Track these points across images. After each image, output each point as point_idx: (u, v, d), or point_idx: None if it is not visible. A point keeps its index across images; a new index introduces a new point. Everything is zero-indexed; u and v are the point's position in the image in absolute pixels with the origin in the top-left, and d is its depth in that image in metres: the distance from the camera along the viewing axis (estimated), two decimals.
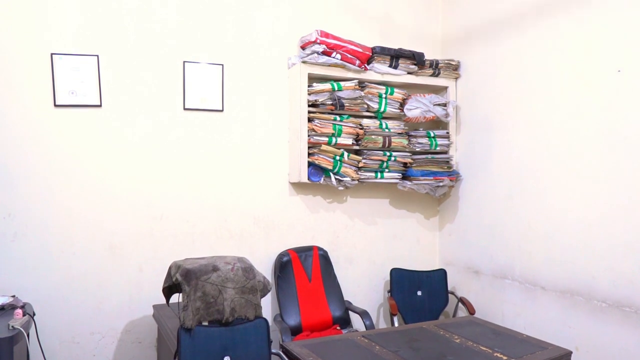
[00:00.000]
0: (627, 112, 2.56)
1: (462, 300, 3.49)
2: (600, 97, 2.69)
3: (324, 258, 3.43)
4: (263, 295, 2.39)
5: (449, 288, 3.64)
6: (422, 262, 3.81)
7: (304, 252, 3.41)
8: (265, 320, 2.35)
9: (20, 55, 2.81)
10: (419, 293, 3.55)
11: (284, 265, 3.30)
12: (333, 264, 3.46)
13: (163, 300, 2.87)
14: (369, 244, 3.68)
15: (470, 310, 3.38)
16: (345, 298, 3.44)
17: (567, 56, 2.87)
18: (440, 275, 3.63)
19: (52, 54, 2.86)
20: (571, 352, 2.34)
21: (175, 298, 2.63)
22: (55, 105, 2.88)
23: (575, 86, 2.83)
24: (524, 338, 2.53)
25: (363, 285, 3.65)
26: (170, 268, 2.49)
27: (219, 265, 2.29)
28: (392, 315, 3.34)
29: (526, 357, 2.20)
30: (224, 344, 2.24)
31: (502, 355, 2.21)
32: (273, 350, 2.37)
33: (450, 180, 3.63)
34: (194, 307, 2.20)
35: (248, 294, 2.29)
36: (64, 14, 2.89)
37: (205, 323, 2.23)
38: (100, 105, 2.97)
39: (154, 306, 2.94)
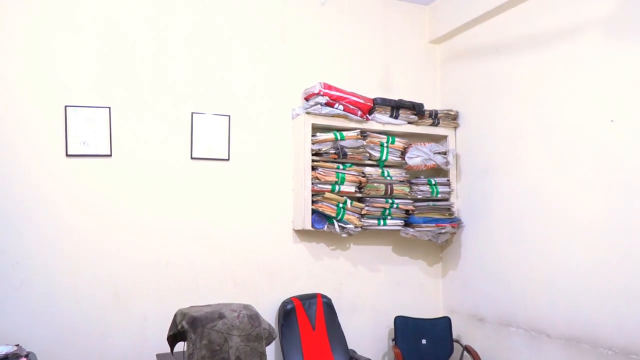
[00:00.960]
0: (620, 159, 2.64)
1: (467, 348, 3.46)
2: (595, 145, 2.77)
3: (328, 306, 3.43)
4: (268, 343, 2.39)
5: (454, 336, 3.61)
6: (426, 309, 3.79)
7: (308, 299, 3.41)
8: None
9: (35, 107, 2.92)
10: (424, 341, 3.52)
11: (287, 313, 3.30)
12: (337, 311, 3.46)
13: (167, 349, 2.86)
14: (372, 292, 3.69)
15: (476, 359, 3.34)
16: (350, 347, 3.41)
17: (562, 106, 2.98)
18: (444, 323, 3.61)
19: (66, 106, 2.98)
20: None
21: (180, 347, 2.62)
22: (67, 155, 2.97)
23: (570, 135, 2.92)
24: None
25: (367, 334, 3.62)
26: (175, 316, 2.50)
27: (224, 313, 2.30)
28: None
29: None
30: None
31: None
32: None
33: (452, 227, 3.67)
34: (200, 355, 2.20)
35: (253, 341, 2.30)
36: (79, 68, 3.03)
37: None
38: (110, 155, 3.06)
39: (158, 355, 2.91)
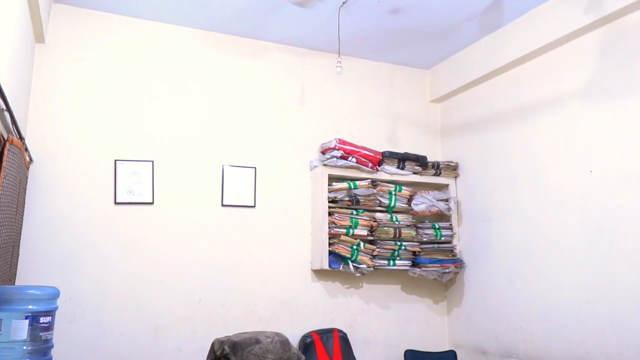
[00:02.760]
0: (599, 204, 3.05)
1: None
2: (577, 192, 3.19)
3: (344, 340, 3.75)
4: None
5: None
6: (433, 343, 4.10)
7: (326, 334, 3.74)
8: None
9: (89, 162, 3.37)
10: None
11: (307, 346, 3.62)
12: (352, 345, 3.78)
13: None
14: (384, 327, 4.01)
15: None
16: None
17: (548, 159, 3.42)
18: (450, 357, 3.92)
19: (115, 160, 3.43)
20: None
21: None
22: (115, 203, 3.40)
23: (556, 184, 3.35)
24: None
25: None
26: (213, 344, 2.86)
27: (260, 339, 2.66)
28: None
29: None
30: None
31: None
32: None
33: (455, 267, 4.04)
34: None
35: None
36: (127, 126, 3.50)
37: None
38: (152, 203, 3.48)
39: None
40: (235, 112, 3.82)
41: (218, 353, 2.73)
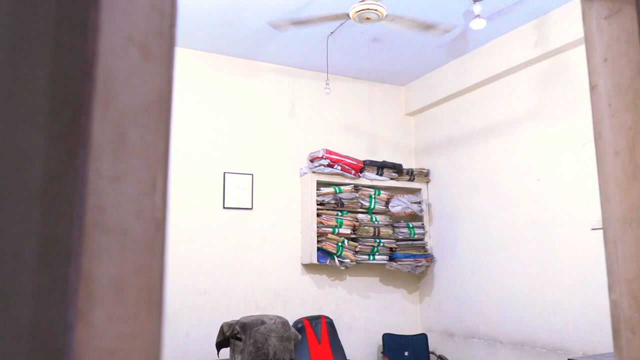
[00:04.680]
0: (545, 208, 3.67)
1: (441, 357, 4.35)
2: (527, 197, 3.81)
3: (330, 325, 4.30)
4: (295, 344, 3.26)
5: (430, 349, 4.50)
6: (407, 328, 4.69)
7: (314, 320, 4.28)
8: None
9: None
10: (406, 353, 4.40)
11: (299, 330, 4.14)
12: (337, 329, 4.33)
13: (208, 358, 3.68)
14: (364, 314, 4.58)
15: None
16: (348, 357, 4.27)
17: (503, 167, 4.04)
18: (422, 339, 4.51)
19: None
20: None
21: (223, 352, 3.47)
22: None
23: (510, 190, 3.96)
24: None
25: (361, 348, 4.49)
26: (222, 327, 3.37)
27: (265, 320, 3.18)
28: None
29: None
30: None
31: None
32: None
33: (427, 261, 4.63)
34: (248, 350, 3.07)
35: (285, 341, 3.17)
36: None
37: None
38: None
39: None
40: (234, 125, 4.32)
41: (227, 334, 3.24)
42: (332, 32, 3.96)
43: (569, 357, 2.86)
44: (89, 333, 0.49)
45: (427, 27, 3.23)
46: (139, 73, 0.55)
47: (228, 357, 3.40)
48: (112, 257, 0.51)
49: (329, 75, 4.34)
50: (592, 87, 1.13)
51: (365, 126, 4.90)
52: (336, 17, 3.08)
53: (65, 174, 0.52)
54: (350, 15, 3.01)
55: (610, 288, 1.06)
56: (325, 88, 3.91)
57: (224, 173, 4.22)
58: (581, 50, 3.45)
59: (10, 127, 0.50)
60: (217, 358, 3.58)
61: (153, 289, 0.53)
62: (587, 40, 1.15)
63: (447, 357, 4.33)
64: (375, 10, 2.94)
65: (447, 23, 3.39)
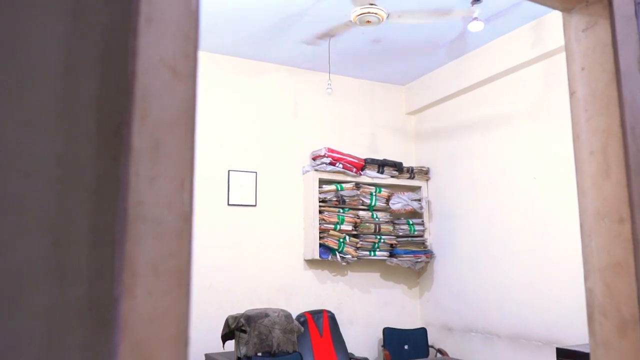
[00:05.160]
0: (540, 206, 3.77)
1: (439, 351, 4.46)
2: (524, 195, 3.91)
3: (332, 319, 4.41)
4: (298, 336, 3.37)
5: (429, 342, 4.61)
6: (407, 322, 4.80)
7: (316, 314, 4.39)
8: (300, 353, 3.31)
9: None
10: (406, 347, 4.51)
11: (301, 324, 4.25)
12: (339, 323, 4.44)
13: (213, 350, 3.80)
14: (365, 308, 4.69)
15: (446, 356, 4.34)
16: (349, 350, 4.38)
17: (500, 166, 4.14)
18: (422, 333, 4.62)
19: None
20: None
21: (228, 345, 3.58)
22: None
23: (507, 187, 4.06)
24: None
25: (362, 341, 4.60)
26: (227, 320, 3.48)
27: (269, 313, 3.29)
28: None
29: None
30: None
31: None
32: None
33: (426, 257, 4.74)
34: (253, 342, 3.18)
35: (288, 333, 3.29)
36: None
37: (260, 354, 3.20)
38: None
39: (206, 355, 3.85)
40: (238, 125, 4.43)
41: (233, 326, 3.35)
42: (333, 36, 4.06)
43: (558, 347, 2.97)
44: (132, 304, 0.60)
45: (442, 14, 3.32)
46: (170, 90, 0.66)
47: (233, 349, 3.51)
48: (149, 243, 0.62)
49: (330, 75, 4.45)
50: (572, 93, 1.23)
51: (366, 125, 5.00)
52: (345, 27, 3.23)
53: (110, 176, 0.63)
54: (352, 19, 3.11)
55: (586, 277, 1.17)
56: (327, 88, 4.02)
57: (229, 171, 4.33)
58: None
59: (67, 137, 0.61)
60: (223, 350, 3.70)
61: (183, 270, 0.64)
62: (567, 50, 1.25)
63: (445, 350, 4.44)
64: (376, 13, 3.04)
65: (459, 8, 3.48)
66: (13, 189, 0.58)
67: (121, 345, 0.59)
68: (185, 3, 0.67)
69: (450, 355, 4.38)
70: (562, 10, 1.25)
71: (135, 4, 0.64)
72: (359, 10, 3.06)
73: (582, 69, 1.19)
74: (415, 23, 3.38)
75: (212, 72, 4.39)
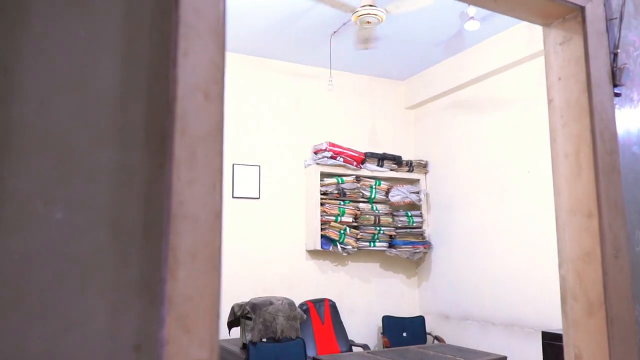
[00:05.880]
0: (534, 199, 3.92)
1: (437, 337, 4.63)
2: (518, 188, 4.06)
3: (333, 307, 4.58)
4: (300, 323, 3.54)
5: (427, 330, 4.78)
6: (406, 311, 4.97)
7: (318, 302, 4.55)
8: (303, 339, 3.48)
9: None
10: (404, 334, 4.68)
11: (304, 312, 4.42)
12: (340, 312, 4.60)
13: (220, 337, 3.96)
14: (365, 297, 4.85)
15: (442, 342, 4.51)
16: (349, 337, 4.55)
17: (498, 160, 4.28)
18: (420, 321, 4.79)
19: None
20: (505, 357, 3.51)
21: (234, 331, 3.75)
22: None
23: (502, 181, 4.21)
24: (479, 352, 3.69)
25: (362, 329, 4.77)
26: (232, 307, 3.64)
27: (273, 301, 3.46)
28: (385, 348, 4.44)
29: (476, 359, 3.37)
30: (276, 354, 3.36)
31: (460, 358, 3.37)
32: None
33: (424, 248, 4.89)
34: (258, 328, 3.34)
35: (292, 320, 3.45)
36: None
37: (264, 340, 3.36)
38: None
39: None
40: (242, 120, 4.57)
41: (238, 314, 3.51)
42: (335, 32, 4.19)
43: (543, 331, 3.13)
44: (176, 285, 0.75)
45: None
46: (203, 110, 0.80)
47: (239, 335, 3.68)
48: (188, 235, 0.77)
49: (332, 71, 4.57)
50: (550, 101, 1.37)
51: (366, 119, 5.13)
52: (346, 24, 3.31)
53: (157, 180, 0.77)
54: (352, 19, 3.24)
55: (560, 265, 1.32)
56: (329, 84, 4.15)
57: (233, 165, 4.47)
58: None
59: (124, 149, 0.76)
60: (229, 336, 3.86)
61: (215, 256, 0.79)
62: (546, 61, 1.39)
63: (442, 337, 4.61)
64: (375, 14, 3.17)
65: None
66: (83, 192, 0.72)
67: (167, 318, 0.74)
68: (215, 39, 0.81)
69: (447, 342, 4.55)
70: (542, 24, 1.39)
71: (174, 41, 0.79)
72: (359, 10, 3.18)
73: (559, 79, 1.33)
74: (415, 8, 3.45)
75: None
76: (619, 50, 1.26)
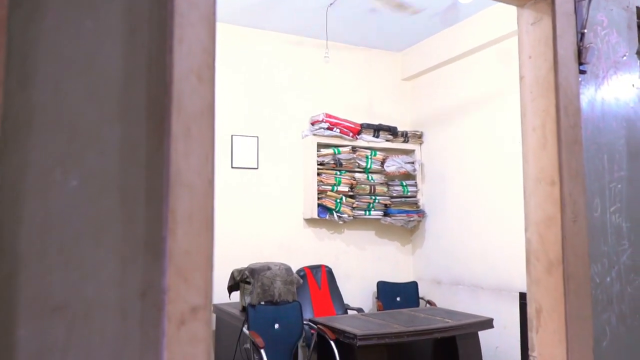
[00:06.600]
0: (519, 170, 4.03)
1: (429, 302, 4.83)
2: (507, 159, 4.17)
3: (330, 273, 4.76)
4: (297, 287, 3.71)
5: (420, 294, 4.97)
6: (400, 276, 5.15)
7: (315, 269, 4.73)
8: (299, 302, 3.66)
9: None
10: (398, 299, 4.87)
11: (301, 278, 4.61)
12: (336, 277, 4.79)
13: (221, 301, 4.15)
14: (361, 264, 5.03)
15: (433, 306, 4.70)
16: (345, 302, 4.75)
17: (489, 131, 4.38)
18: (413, 286, 4.98)
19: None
20: (492, 319, 3.69)
21: (234, 295, 3.93)
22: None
23: (493, 151, 4.32)
24: (467, 314, 3.87)
25: (357, 294, 4.96)
26: (232, 273, 3.81)
27: (271, 266, 3.62)
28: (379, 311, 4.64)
29: (464, 321, 3.55)
30: (274, 316, 3.54)
31: (448, 320, 3.55)
32: (305, 322, 3.67)
33: (418, 216, 5.04)
34: (256, 292, 3.52)
35: (289, 284, 3.62)
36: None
37: (263, 303, 3.54)
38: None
39: (214, 305, 4.21)
40: (240, 91, 4.65)
41: (238, 278, 3.68)
42: (331, 4, 4.23)
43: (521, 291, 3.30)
44: (175, 242, 0.88)
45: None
46: (196, 91, 0.92)
47: (239, 299, 3.86)
48: (185, 200, 0.89)
49: (328, 42, 4.63)
50: (521, 78, 1.48)
51: (363, 91, 5.21)
52: None
53: (157, 152, 0.90)
54: None
55: (526, 229, 1.45)
56: (325, 56, 4.22)
57: (232, 136, 4.58)
58: None
59: (127, 125, 0.88)
60: (229, 300, 4.04)
61: (208, 218, 0.92)
62: (519, 40, 1.49)
63: (434, 302, 4.80)
64: None
65: None
66: (94, 163, 0.85)
67: (168, 269, 0.87)
68: (207, 27, 0.92)
69: (439, 306, 4.75)
70: (516, 5, 1.48)
71: (170, 29, 0.90)
72: None
73: (530, 57, 1.43)
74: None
75: None
76: (585, 30, 1.36)
